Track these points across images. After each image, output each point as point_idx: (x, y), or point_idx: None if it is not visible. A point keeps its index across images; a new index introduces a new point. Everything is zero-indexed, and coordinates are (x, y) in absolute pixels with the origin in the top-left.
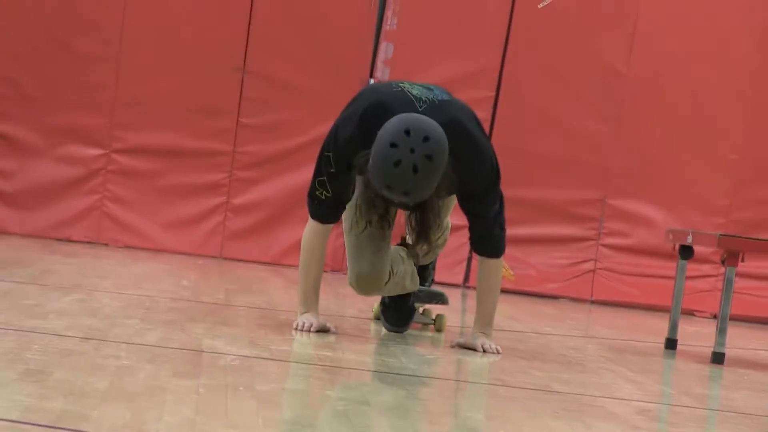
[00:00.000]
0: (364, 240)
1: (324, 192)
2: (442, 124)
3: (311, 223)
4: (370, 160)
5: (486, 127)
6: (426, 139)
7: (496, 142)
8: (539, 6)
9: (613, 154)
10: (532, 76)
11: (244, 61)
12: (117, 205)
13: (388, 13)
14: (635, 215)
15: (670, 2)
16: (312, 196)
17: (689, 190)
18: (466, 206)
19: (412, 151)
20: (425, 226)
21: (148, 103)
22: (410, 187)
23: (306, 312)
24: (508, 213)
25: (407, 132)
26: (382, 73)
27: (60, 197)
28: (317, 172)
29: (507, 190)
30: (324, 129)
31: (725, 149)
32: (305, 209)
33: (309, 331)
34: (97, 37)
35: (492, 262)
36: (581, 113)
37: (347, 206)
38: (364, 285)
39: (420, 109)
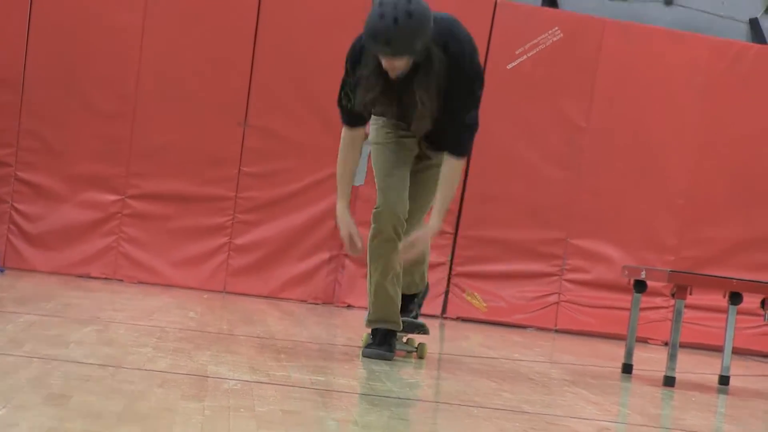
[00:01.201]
0: (388, 163)
1: (347, 100)
2: (436, 19)
3: (343, 132)
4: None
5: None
6: (409, 1)
7: (470, 187)
8: (508, 66)
9: (574, 198)
10: (502, 128)
11: (246, 116)
12: (131, 245)
13: None
14: (595, 253)
15: (624, 63)
16: (340, 104)
17: (642, 231)
18: (448, 106)
19: (395, 7)
20: (416, 105)
21: (160, 154)
22: (390, 36)
23: (341, 204)
24: (482, 252)
25: None
26: (368, 126)
27: (80, 238)
28: (342, 84)
29: (480, 231)
30: (316, 177)
31: (673, 194)
32: (300, 248)
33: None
34: (114, 94)
35: (456, 161)
36: (546, 162)
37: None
38: (387, 215)
39: None
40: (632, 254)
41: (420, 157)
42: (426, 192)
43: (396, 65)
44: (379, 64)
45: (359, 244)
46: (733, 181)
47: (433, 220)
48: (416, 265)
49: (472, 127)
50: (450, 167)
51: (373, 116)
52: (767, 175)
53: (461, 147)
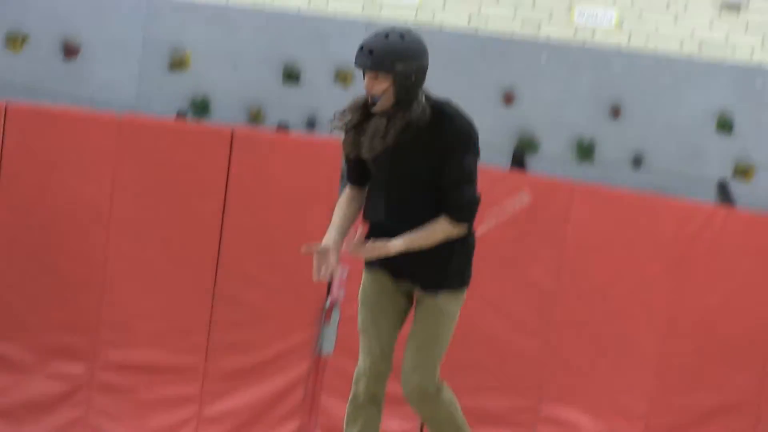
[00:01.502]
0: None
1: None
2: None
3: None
4: None
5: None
6: (408, 31)
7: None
8: (476, 232)
9: (544, 366)
10: (469, 295)
11: (214, 285)
12: (101, 416)
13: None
14: (565, 421)
15: (593, 228)
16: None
17: (613, 398)
18: (445, 170)
19: (392, 29)
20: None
21: (128, 324)
22: (374, 47)
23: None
24: None
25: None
26: (338, 294)
27: (48, 410)
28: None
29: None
30: (285, 345)
31: (643, 361)
32: (271, 418)
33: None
34: (82, 264)
35: (447, 223)
36: (515, 329)
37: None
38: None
39: None
40: (603, 422)
41: (410, 300)
42: (425, 328)
43: (373, 85)
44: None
45: (322, 273)
46: (704, 347)
47: (399, 240)
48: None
49: (464, 202)
50: (441, 223)
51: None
52: (738, 342)
53: (457, 211)
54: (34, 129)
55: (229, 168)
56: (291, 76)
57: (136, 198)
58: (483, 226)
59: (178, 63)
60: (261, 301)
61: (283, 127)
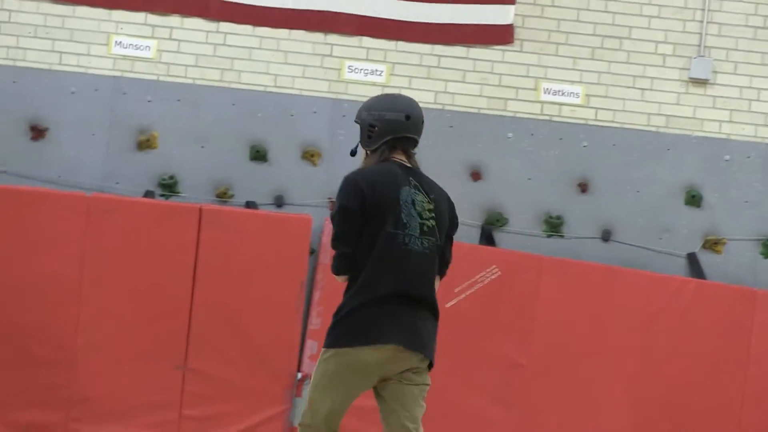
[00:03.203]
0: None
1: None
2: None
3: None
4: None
5: None
6: (395, 94)
7: None
8: (446, 305)
9: None
10: (440, 368)
11: (185, 360)
12: None
13: (313, 313)
14: None
15: (562, 301)
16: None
17: None
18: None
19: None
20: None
21: (100, 400)
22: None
23: None
24: None
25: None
26: (309, 368)
27: None
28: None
29: None
30: (258, 419)
31: (617, 430)
32: None
33: None
34: (53, 343)
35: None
36: (486, 401)
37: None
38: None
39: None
40: None
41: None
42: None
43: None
44: None
45: None
46: (674, 417)
47: None
48: None
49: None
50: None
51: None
52: (708, 412)
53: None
54: (2, 209)
55: (198, 244)
56: (258, 154)
57: (105, 275)
58: (454, 299)
59: (145, 143)
60: (232, 375)
61: (251, 205)
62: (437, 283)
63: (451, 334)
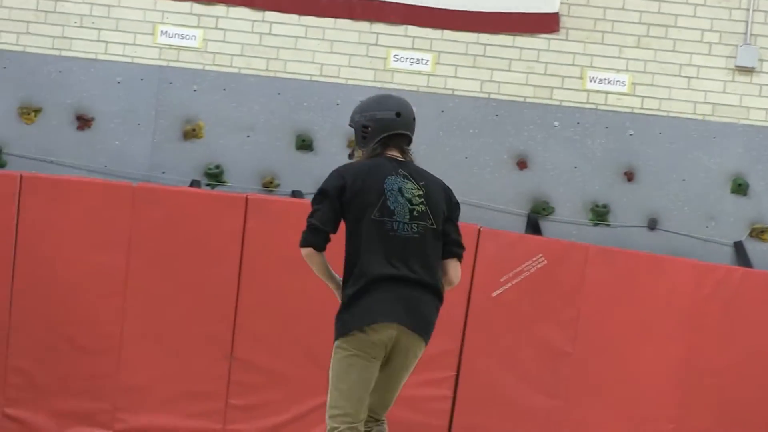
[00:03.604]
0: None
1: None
2: None
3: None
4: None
5: (447, 404)
6: (387, 94)
7: (457, 419)
8: (493, 294)
9: (562, 426)
10: (487, 357)
11: (231, 349)
12: None
13: None
14: None
15: (608, 289)
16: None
17: None
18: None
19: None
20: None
21: (146, 389)
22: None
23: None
24: None
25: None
26: None
27: None
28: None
29: None
30: (302, 408)
31: (662, 421)
32: None
33: None
34: (100, 333)
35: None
36: (532, 390)
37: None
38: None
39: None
40: None
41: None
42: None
43: None
44: None
45: None
46: (721, 406)
47: None
48: None
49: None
50: (453, 267)
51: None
52: (755, 402)
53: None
54: (49, 199)
55: (244, 234)
56: (304, 143)
57: (151, 265)
58: (500, 288)
59: (190, 132)
60: (278, 364)
61: (296, 194)
62: (454, 266)
63: (497, 322)
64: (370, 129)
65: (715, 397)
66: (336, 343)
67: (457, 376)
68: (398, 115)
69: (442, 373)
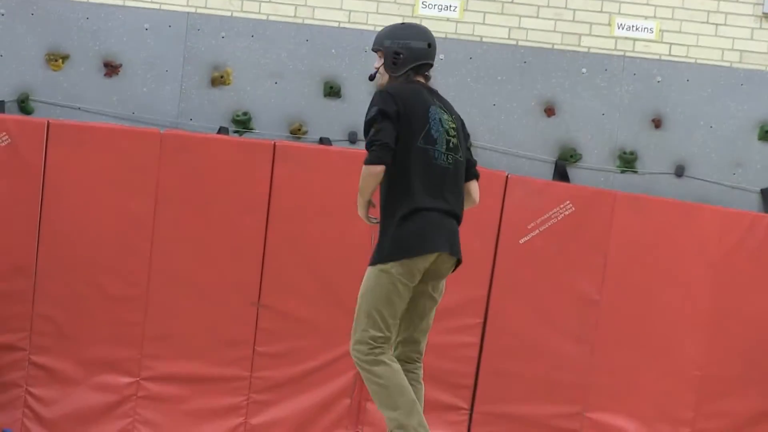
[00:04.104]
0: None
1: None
2: None
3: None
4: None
5: (475, 350)
6: (416, 23)
7: (484, 364)
8: (520, 241)
9: (589, 372)
10: (515, 304)
11: (259, 297)
12: (147, 427)
13: None
14: (611, 427)
15: (636, 236)
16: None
17: (658, 404)
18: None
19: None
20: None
21: (173, 336)
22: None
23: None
24: (498, 428)
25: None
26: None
27: (96, 421)
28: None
29: (496, 406)
30: (330, 355)
31: (689, 366)
32: (317, 427)
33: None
34: (126, 279)
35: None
36: (560, 337)
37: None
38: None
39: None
40: (648, 427)
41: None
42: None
43: (375, 64)
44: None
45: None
46: (748, 353)
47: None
48: None
49: (367, 145)
50: (473, 188)
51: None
52: None
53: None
54: (76, 145)
55: (271, 180)
56: (332, 90)
57: (179, 212)
58: (528, 235)
59: (218, 79)
60: (306, 311)
61: (324, 141)
62: (475, 187)
63: (524, 270)
64: (402, 56)
65: (741, 344)
66: (379, 266)
67: (485, 323)
68: (429, 45)
69: (470, 320)
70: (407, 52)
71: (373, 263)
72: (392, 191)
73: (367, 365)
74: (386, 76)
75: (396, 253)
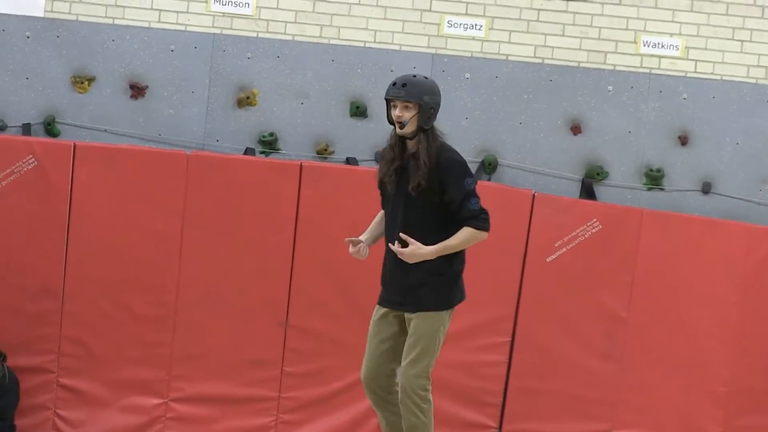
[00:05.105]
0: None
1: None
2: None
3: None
4: None
5: (503, 368)
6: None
7: (513, 381)
8: (548, 259)
9: (617, 389)
10: (542, 322)
11: (287, 316)
12: None
13: None
14: None
15: (664, 255)
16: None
17: (686, 421)
18: (444, 198)
19: (416, 74)
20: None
21: (201, 357)
22: (407, 80)
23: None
24: None
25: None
26: None
27: None
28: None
29: (524, 424)
30: (359, 375)
31: (716, 383)
32: None
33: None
34: (154, 300)
35: (473, 230)
36: (587, 354)
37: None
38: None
39: None
40: None
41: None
42: (416, 340)
43: (403, 114)
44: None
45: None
46: None
47: (431, 247)
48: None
49: (477, 212)
50: (467, 231)
51: None
52: None
53: (476, 219)
54: (103, 167)
55: (298, 201)
56: (358, 110)
57: (206, 233)
58: (555, 253)
59: (244, 100)
60: (334, 331)
61: (351, 161)
62: None
63: (551, 288)
64: (434, 111)
65: None
66: (447, 311)
67: (512, 341)
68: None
69: (498, 339)
70: (437, 108)
71: (443, 307)
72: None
73: (421, 399)
74: (413, 126)
75: (454, 301)
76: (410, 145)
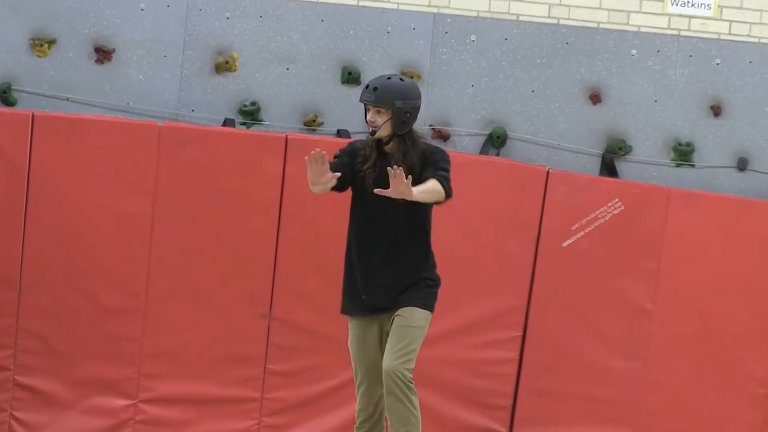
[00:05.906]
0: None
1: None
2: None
3: None
4: None
5: (513, 367)
6: (407, 77)
7: (524, 382)
8: (563, 244)
9: (640, 390)
10: (557, 314)
11: (270, 308)
12: None
13: None
14: None
15: (693, 239)
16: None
17: (718, 426)
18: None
19: (397, 75)
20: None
21: (175, 353)
22: (379, 83)
23: None
24: None
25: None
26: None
27: None
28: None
29: (536, 429)
30: (349, 373)
31: (752, 384)
32: None
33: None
34: (122, 290)
35: (435, 182)
36: (607, 351)
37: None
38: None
39: None
40: None
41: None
42: (405, 332)
43: (375, 118)
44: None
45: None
46: None
47: (412, 188)
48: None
49: (446, 177)
50: (432, 181)
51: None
52: None
53: (443, 182)
54: (64, 140)
55: (283, 178)
56: (350, 76)
57: (180, 214)
58: (571, 237)
59: (223, 65)
60: (322, 325)
61: (342, 133)
62: None
63: (568, 276)
64: (410, 116)
65: None
66: (431, 313)
67: (524, 336)
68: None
69: (507, 334)
70: (414, 112)
71: (431, 309)
72: (428, 246)
73: (409, 390)
74: (387, 131)
75: (434, 306)
76: (387, 148)
